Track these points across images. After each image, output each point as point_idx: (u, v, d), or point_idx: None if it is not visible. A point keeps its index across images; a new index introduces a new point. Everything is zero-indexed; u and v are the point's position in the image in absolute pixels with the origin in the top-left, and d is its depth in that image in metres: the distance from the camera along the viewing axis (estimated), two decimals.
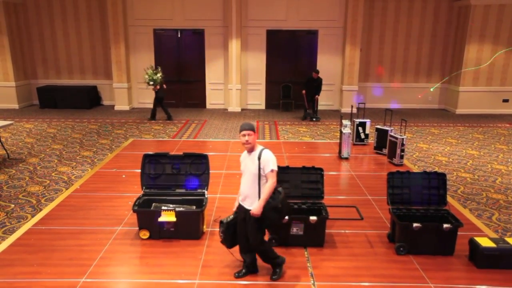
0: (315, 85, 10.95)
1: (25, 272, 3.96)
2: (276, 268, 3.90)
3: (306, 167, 4.85)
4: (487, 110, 12.35)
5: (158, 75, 10.41)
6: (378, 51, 12.72)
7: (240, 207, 3.80)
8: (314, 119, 11.14)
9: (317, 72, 10.96)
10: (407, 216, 4.49)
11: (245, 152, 3.78)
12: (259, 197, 3.61)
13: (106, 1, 11.82)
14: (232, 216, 3.86)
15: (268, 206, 3.58)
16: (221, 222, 3.82)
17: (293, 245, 4.43)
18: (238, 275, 3.89)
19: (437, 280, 3.89)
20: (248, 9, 12.18)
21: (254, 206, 3.60)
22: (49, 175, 6.73)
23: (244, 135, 3.61)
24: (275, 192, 3.65)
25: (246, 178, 3.71)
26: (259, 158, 3.59)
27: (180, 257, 4.25)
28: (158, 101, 10.80)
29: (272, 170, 3.58)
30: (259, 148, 3.68)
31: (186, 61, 12.71)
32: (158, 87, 10.53)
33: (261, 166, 3.59)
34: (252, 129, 3.63)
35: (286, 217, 4.31)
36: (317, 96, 11.01)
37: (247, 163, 3.71)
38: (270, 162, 3.59)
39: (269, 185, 3.59)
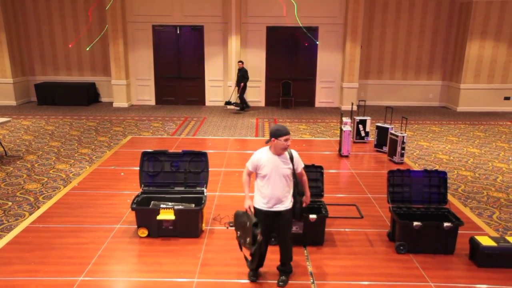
0: (239, 75, 11.54)
1: (23, 271, 3.92)
2: (285, 275, 3.86)
3: (306, 165, 4.76)
4: (488, 108, 12.30)
5: None
6: (378, 48, 12.66)
7: (266, 214, 3.61)
8: (233, 104, 11.83)
9: (241, 62, 11.60)
10: (408, 214, 4.46)
11: (266, 155, 3.58)
12: (293, 195, 3.70)
13: None
14: (258, 230, 3.48)
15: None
16: (256, 241, 3.47)
17: (293, 244, 4.39)
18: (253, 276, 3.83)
19: (437, 279, 3.87)
20: (247, 5, 12.10)
21: (305, 197, 3.83)
22: (47, 172, 6.69)
23: (287, 140, 3.51)
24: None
25: (279, 181, 3.56)
26: (291, 159, 3.63)
27: (179, 255, 4.22)
28: None
29: (303, 167, 3.81)
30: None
31: (185, 57, 12.64)
32: None
33: (295, 167, 3.66)
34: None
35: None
36: (241, 84, 11.56)
37: (278, 165, 3.55)
38: (300, 160, 3.76)
39: (306, 179, 3.86)
